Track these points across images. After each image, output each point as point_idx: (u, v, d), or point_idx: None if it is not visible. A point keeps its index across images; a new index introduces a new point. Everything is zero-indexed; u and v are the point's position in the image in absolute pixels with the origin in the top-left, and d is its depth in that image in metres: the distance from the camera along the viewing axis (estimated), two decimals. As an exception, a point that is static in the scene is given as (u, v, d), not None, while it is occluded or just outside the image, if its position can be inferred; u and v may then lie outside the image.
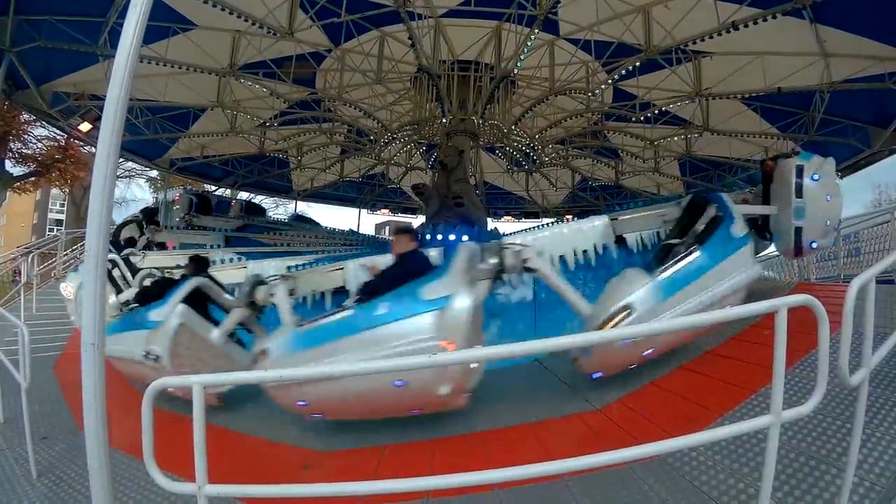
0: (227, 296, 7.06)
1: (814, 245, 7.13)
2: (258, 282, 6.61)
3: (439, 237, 12.28)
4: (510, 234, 9.72)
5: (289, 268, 8.55)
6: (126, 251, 11.16)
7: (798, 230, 6.94)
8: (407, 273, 5.38)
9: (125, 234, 13.82)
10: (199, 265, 7.70)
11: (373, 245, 13.90)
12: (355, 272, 7.74)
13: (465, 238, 11.49)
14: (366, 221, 41.53)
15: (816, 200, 6.93)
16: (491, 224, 19.30)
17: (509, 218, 25.36)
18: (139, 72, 2.44)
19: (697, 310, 5.37)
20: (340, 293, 8.01)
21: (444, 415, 5.35)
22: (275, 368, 5.03)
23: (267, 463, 5.03)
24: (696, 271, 5.63)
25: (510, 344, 2.56)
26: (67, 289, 9.31)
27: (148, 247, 12.82)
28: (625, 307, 5.39)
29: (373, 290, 5.43)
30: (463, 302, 4.92)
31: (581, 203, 24.41)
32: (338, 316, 5.26)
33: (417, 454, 4.89)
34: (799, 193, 6.93)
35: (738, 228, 6.08)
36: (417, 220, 20.38)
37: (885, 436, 3.48)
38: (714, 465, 3.66)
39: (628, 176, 21.25)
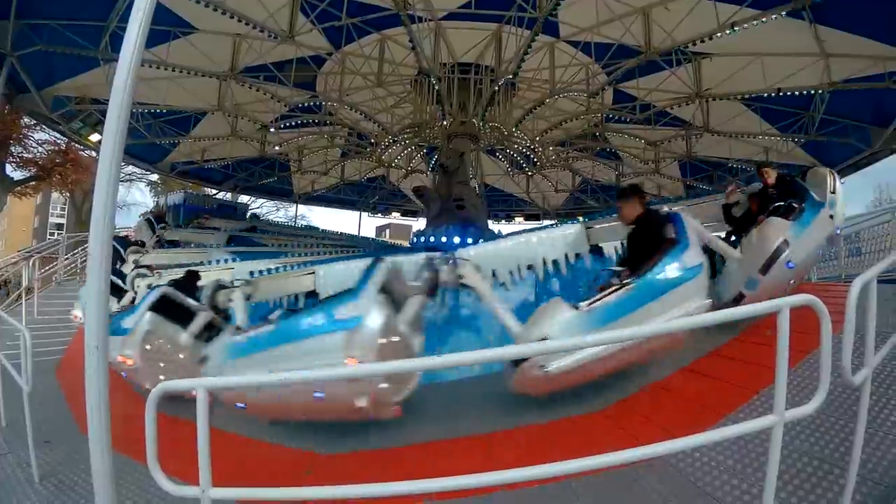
0: (191, 301, 7.30)
1: (838, 231, 6.95)
2: (219, 286, 7.09)
3: (443, 239, 12.30)
4: (466, 245, 9.26)
5: (251, 273, 8.62)
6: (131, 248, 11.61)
7: (831, 217, 6.82)
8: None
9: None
10: (189, 278, 8.01)
11: (372, 247, 13.95)
12: (325, 278, 7.78)
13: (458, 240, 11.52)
14: (367, 224, 41.49)
15: (840, 199, 6.83)
16: (493, 226, 19.30)
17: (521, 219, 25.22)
18: (141, 76, 2.46)
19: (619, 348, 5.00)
20: (312, 296, 8.12)
21: (446, 416, 5.36)
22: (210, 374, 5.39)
23: (269, 466, 5.03)
24: (626, 306, 5.09)
25: (460, 353, 2.57)
26: (76, 314, 9.45)
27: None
28: (544, 339, 4.99)
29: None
30: (374, 321, 5.04)
31: (582, 205, 24.41)
32: (263, 329, 5.52)
33: (419, 457, 4.89)
34: (833, 189, 6.80)
35: (691, 257, 5.30)
36: (418, 223, 20.39)
37: (888, 435, 3.47)
38: (717, 465, 3.65)
39: (629, 177, 21.24)
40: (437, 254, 7.04)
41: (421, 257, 6.63)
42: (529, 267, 7.80)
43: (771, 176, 7.15)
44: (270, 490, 2.61)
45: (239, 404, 5.33)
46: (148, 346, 6.69)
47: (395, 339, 5.32)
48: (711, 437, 2.68)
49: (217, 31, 12.77)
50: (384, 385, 5.07)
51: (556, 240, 7.82)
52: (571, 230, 7.81)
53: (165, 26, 12.00)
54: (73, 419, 6.26)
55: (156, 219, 15.70)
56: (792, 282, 6.22)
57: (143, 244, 13.48)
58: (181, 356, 6.90)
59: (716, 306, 5.52)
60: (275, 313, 6.08)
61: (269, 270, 8.84)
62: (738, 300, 6.16)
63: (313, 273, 8.12)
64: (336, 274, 7.99)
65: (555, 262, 7.83)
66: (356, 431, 5.45)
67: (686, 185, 20.28)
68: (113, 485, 2.36)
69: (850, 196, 7.46)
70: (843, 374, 2.52)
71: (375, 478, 4.26)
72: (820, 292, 4.37)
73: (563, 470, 2.42)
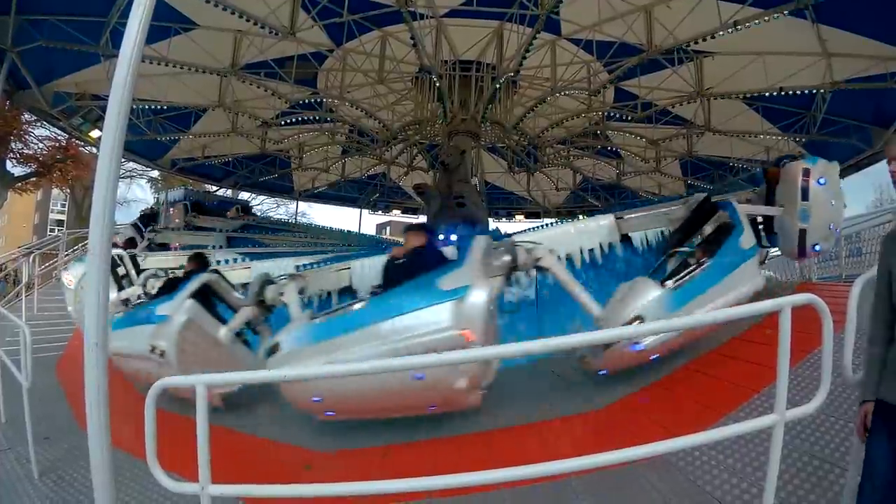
0: (236, 294, 7.00)
1: (817, 248, 7.11)
2: (267, 281, 6.61)
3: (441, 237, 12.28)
4: (518, 232, 9.69)
5: (297, 267, 8.52)
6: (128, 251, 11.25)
7: (803, 232, 6.91)
8: (419, 267, 5.38)
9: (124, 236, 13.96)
10: (200, 262, 7.59)
11: (372, 245, 13.94)
12: (362, 272, 7.73)
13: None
14: (367, 221, 41.51)
15: (821, 204, 6.91)
16: (493, 224, 19.29)
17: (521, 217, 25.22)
18: (141, 72, 2.45)
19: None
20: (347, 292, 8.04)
21: (447, 414, 5.35)
22: (288, 361, 5.03)
23: (269, 463, 5.03)
24: (705, 283, 5.70)
25: (521, 342, 2.55)
26: (68, 277, 9.14)
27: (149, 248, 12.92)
28: (637, 318, 5.41)
29: (387, 283, 5.48)
30: (480, 292, 4.93)
31: (582, 203, 24.40)
32: (351, 308, 5.29)
33: (420, 454, 4.89)
34: (805, 196, 6.86)
35: (747, 240, 6.13)
36: (419, 220, 20.36)
37: (889, 436, 3.47)
38: (717, 464, 3.65)
39: (630, 176, 21.26)
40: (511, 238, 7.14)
41: (503, 240, 6.49)
42: (568, 257, 7.98)
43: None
44: (270, 487, 2.61)
45: (315, 398, 4.96)
46: (185, 339, 6.13)
47: (492, 313, 5.31)
48: (712, 437, 2.67)
49: (218, 28, 12.73)
50: (481, 368, 4.99)
51: (592, 230, 8.11)
52: (605, 221, 8.11)
53: (166, 22, 11.96)
54: (73, 416, 6.25)
55: (148, 219, 15.47)
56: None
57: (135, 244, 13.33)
58: (216, 354, 6.39)
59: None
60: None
61: (304, 266, 8.69)
62: None
63: (349, 268, 8.03)
64: (373, 268, 7.86)
65: (591, 251, 8.11)
66: (356, 428, 5.45)
67: (687, 184, 20.25)
68: (112, 481, 2.35)
69: (850, 196, 7.43)
70: (844, 373, 2.52)
71: (375, 475, 4.28)
72: (821, 292, 4.37)
73: (565, 468, 2.42)
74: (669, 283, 5.69)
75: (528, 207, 25.41)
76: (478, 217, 14.08)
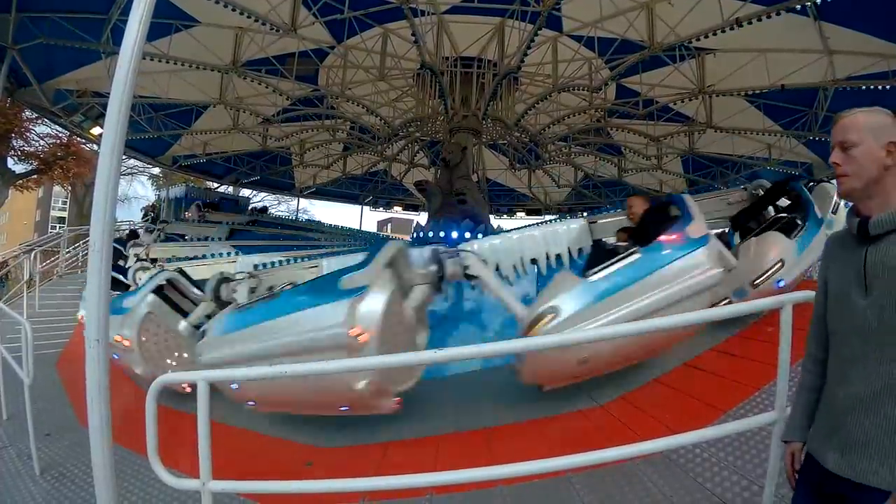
0: (195, 290, 7.34)
1: None
2: (223, 279, 7.05)
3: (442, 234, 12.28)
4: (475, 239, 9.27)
5: (255, 266, 8.57)
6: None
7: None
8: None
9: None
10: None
11: (372, 241, 13.95)
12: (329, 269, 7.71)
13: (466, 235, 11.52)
14: (368, 218, 41.44)
15: (841, 221, 7.15)
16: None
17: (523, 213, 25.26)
18: (142, 69, 2.44)
19: (634, 318, 4.97)
20: None
21: (448, 412, 5.37)
22: (209, 346, 5.45)
23: (269, 459, 5.04)
24: (632, 275, 5.23)
25: (472, 346, 2.54)
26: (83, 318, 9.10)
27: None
28: (551, 308, 5.21)
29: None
30: (379, 294, 5.03)
31: (584, 200, 24.39)
32: (264, 300, 5.59)
33: (420, 450, 4.90)
34: (835, 210, 7.52)
35: (696, 229, 5.51)
36: (420, 218, 20.35)
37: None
38: (718, 461, 3.66)
39: (631, 173, 21.22)
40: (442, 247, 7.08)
41: (427, 249, 6.53)
42: (533, 261, 7.82)
43: (637, 206, 6.55)
44: (271, 483, 2.62)
45: (233, 386, 5.19)
46: (146, 329, 6.70)
47: (400, 319, 5.32)
48: (713, 434, 2.68)
49: (219, 24, 12.74)
50: (391, 373, 5.04)
51: (560, 235, 7.83)
52: (575, 225, 7.84)
53: (167, 19, 11.95)
54: (74, 412, 6.27)
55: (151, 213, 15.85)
56: None
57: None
58: (177, 345, 6.93)
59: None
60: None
61: (272, 263, 8.75)
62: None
63: (317, 266, 8.08)
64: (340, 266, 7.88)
65: (558, 257, 7.86)
66: (357, 425, 5.46)
67: (688, 182, 20.23)
68: (113, 478, 2.35)
69: None
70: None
71: (376, 472, 4.28)
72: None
73: (564, 464, 2.42)
74: (589, 273, 5.39)
75: (529, 204, 25.43)
76: (479, 214, 14.06)
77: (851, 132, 1.69)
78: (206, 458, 2.35)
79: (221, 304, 6.94)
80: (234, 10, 11.19)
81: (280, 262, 8.75)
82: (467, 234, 11.60)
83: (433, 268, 5.77)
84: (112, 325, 6.31)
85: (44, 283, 12.68)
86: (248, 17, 11.55)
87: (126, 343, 6.54)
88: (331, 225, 18.01)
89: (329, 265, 7.74)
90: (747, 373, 4.87)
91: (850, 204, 1.75)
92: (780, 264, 6.15)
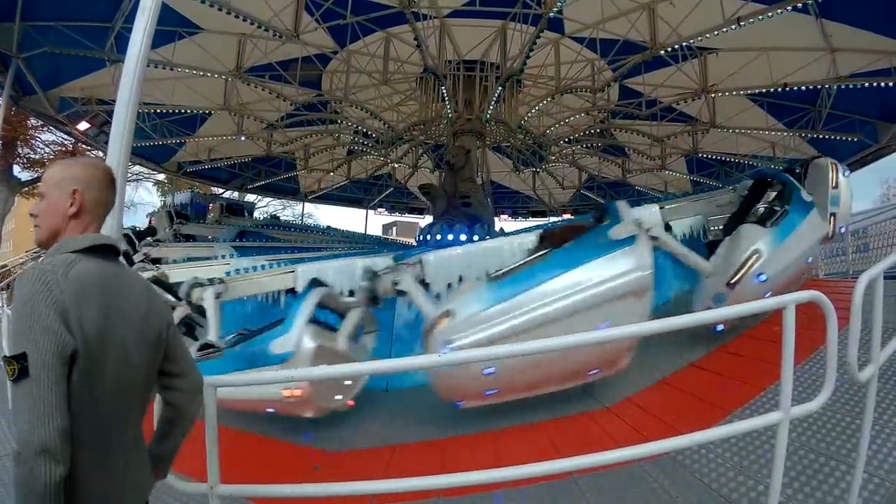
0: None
1: (842, 229, 7.34)
2: (195, 284, 7.21)
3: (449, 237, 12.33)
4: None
5: (227, 272, 8.51)
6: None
7: (833, 216, 7.05)
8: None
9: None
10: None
11: (378, 244, 13.97)
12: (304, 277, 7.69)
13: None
14: (373, 222, 41.43)
15: (845, 190, 7.08)
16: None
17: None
18: (146, 76, 2.48)
19: (542, 322, 4.96)
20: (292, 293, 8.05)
21: (449, 414, 5.38)
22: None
23: (276, 463, 5.05)
24: (537, 274, 5.27)
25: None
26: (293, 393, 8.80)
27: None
28: (446, 311, 5.33)
29: None
30: (306, 352, 5.44)
31: (588, 201, 24.33)
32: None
33: (427, 453, 4.91)
34: (835, 185, 7.16)
35: (620, 230, 5.62)
36: (424, 221, 20.35)
37: (895, 432, 3.46)
38: (723, 462, 3.66)
39: (635, 174, 21.20)
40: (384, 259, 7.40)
41: (358, 265, 7.21)
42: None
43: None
44: (278, 487, 2.63)
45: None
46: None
47: (332, 359, 5.62)
48: (718, 434, 2.68)
49: (222, 31, 12.80)
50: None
51: (518, 247, 7.50)
52: (532, 237, 7.40)
53: (170, 26, 12.00)
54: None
55: (176, 214, 16.00)
56: (768, 294, 5.60)
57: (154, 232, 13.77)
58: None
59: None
60: (228, 337, 6.56)
61: (251, 269, 8.74)
62: None
63: (293, 271, 8.06)
64: (314, 273, 7.84)
65: None
66: (363, 429, 5.48)
67: (692, 181, 20.18)
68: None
69: (856, 192, 7.57)
70: (849, 370, 2.50)
71: (383, 475, 4.30)
72: (826, 288, 4.35)
73: (570, 466, 2.43)
74: (493, 273, 5.53)
75: (533, 206, 25.39)
76: (484, 216, 14.09)
77: None
78: (214, 462, 2.37)
79: (193, 307, 7.19)
80: (237, 16, 11.22)
81: (261, 266, 8.80)
82: (475, 237, 11.63)
83: (364, 288, 6.34)
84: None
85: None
86: (252, 23, 11.58)
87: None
88: (336, 229, 18.03)
89: (303, 272, 7.68)
90: (752, 373, 4.86)
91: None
92: (755, 256, 5.76)
